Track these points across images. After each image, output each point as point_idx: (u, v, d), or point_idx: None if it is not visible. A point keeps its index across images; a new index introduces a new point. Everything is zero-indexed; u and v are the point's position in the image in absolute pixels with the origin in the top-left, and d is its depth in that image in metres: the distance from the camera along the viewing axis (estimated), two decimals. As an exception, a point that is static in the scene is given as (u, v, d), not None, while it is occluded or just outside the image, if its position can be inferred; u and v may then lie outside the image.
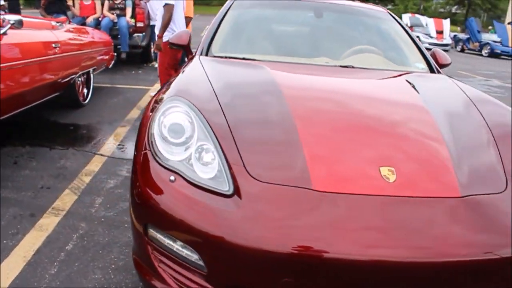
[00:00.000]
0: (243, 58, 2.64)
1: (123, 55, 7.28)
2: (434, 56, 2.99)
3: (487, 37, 22.01)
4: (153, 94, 5.78)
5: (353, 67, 2.61)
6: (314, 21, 3.04)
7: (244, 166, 1.55)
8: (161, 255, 1.59)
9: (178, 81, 2.14)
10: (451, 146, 1.72)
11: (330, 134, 1.72)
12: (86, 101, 5.17)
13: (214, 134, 1.66)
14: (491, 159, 1.70)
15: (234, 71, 2.33)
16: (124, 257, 2.24)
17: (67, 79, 4.36)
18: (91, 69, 5.17)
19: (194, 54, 2.79)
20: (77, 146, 3.82)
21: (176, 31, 4.62)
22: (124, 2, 7.29)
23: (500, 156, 1.73)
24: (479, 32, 21.94)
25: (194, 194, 1.50)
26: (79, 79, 4.88)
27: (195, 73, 2.27)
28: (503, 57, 21.27)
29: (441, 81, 2.51)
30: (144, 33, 7.59)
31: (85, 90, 5.17)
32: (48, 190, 2.93)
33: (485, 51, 21.84)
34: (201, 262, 1.47)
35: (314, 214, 1.40)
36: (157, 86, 6.46)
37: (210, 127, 1.69)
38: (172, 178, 1.55)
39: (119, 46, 7.11)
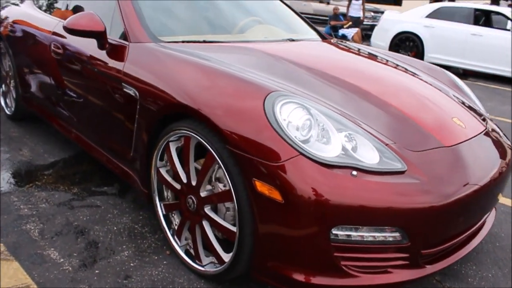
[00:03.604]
0: (204, 41, 2.42)
1: None
2: None
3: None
4: None
5: (293, 40, 2.82)
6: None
7: (395, 142, 1.69)
8: (346, 252, 1.57)
9: (216, 81, 1.84)
10: (449, 93, 2.34)
11: (404, 100, 2.02)
12: None
13: (350, 121, 1.69)
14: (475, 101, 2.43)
15: (248, 58, 2.19)
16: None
17: None
18: None
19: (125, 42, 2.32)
20: None
21: None
22: None
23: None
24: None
25: (379, 180, 1.56)
26: None
27: (216, 66, 1.94)
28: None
29: (354, 45, 3.06)
30: None
31: None
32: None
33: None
34: (399, 238, 1.58)
35: (462, 162, 1.77)
36: None
37: (339, 114, 1.70)
38: (354, 173, 1.53)
39: None
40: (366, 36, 11.56)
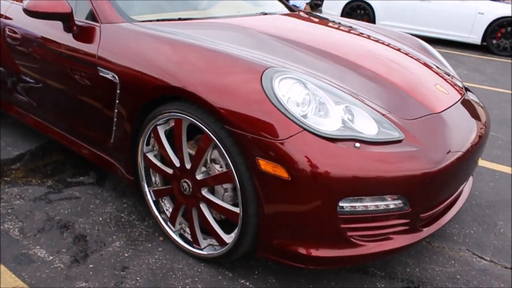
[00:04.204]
0: (179, 19, 2.32)
1: None
2: None
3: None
4: None
5: (265, 13, 2.76)
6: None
7: (391, 112, 1.72)
8: (351, 223, 1.60)
9: (205, 58, 1.76)
10: (426, 61, 2.39)
11: (390, 70, 2.05)
12: None
13: (346, 93, 1.69)
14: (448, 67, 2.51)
15: (231, 34, 2.12)
16: (190, 278, 1.86)
17: None
18: None
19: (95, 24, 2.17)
20: None
21: None
22: None
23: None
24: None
25: (379, 150, 1.59)
26: None
27: (201, 44, 1.85)
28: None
29: (328, 17, 3.06)
30: None
31: None
32: None
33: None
34: (401, 204, 1.63)
35: (450, 127, 1.83)
36: None
37: (335, 87, 1.70)
38: (357, 145, 1.55)
39: None
40: (315, 5, 11.58)
